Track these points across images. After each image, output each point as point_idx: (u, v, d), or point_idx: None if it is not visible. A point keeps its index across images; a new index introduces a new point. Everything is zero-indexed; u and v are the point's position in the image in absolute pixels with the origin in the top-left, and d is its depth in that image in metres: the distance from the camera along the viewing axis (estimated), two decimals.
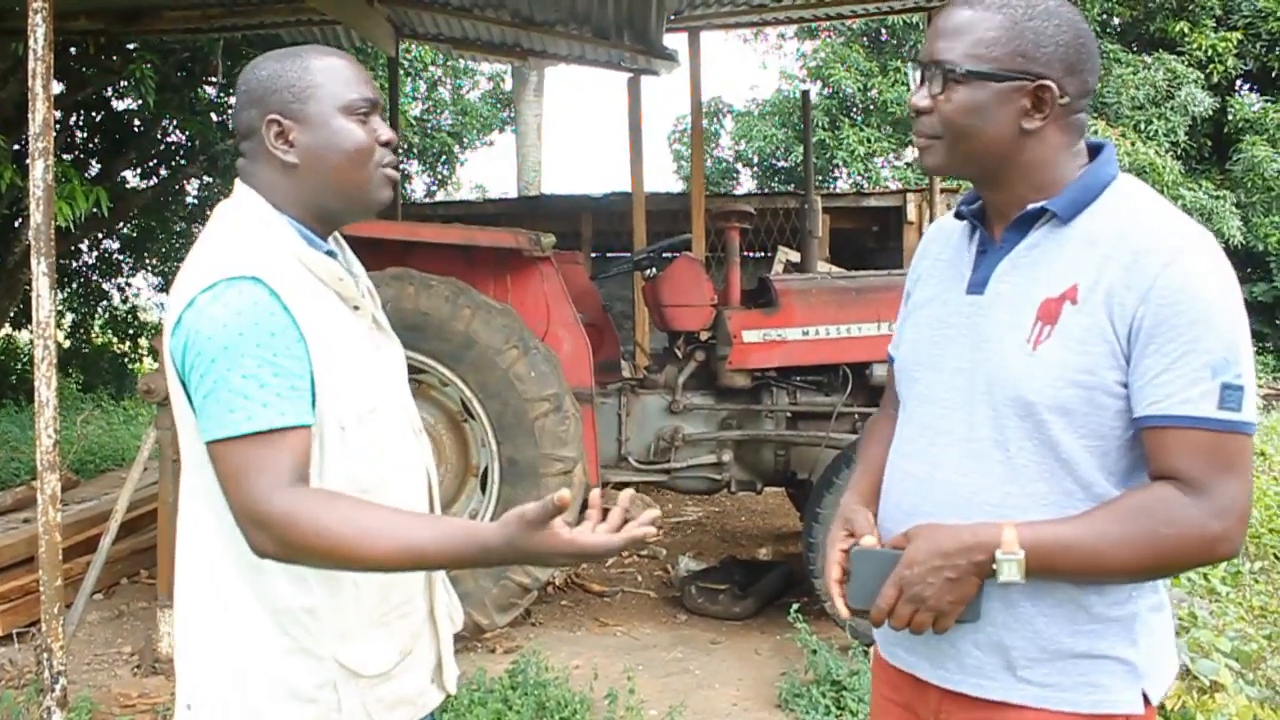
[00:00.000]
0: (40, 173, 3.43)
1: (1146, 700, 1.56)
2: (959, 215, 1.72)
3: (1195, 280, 1.43)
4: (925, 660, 1.65)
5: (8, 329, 15.29)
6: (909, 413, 1.72)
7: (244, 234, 1.65)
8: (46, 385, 3.46)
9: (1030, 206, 1.56)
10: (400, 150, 8.82)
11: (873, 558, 1.55)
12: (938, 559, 1.46)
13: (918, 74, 1.60)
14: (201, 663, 1.67)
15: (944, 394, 1.63)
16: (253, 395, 1.51)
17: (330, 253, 1.76)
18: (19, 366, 13.79)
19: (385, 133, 1.73)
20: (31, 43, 3.42)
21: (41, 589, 3.50)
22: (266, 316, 1.55)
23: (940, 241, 1.78)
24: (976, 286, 1.62)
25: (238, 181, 1.73)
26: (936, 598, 1.47)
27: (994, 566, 1.44)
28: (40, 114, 3.45)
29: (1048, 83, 1.50)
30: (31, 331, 3.43)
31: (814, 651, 4.03)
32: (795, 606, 4.31)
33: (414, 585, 1.81)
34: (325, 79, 1.69)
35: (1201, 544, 1.44)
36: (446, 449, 4.58)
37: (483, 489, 4.51)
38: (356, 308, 1.74)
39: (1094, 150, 1.60)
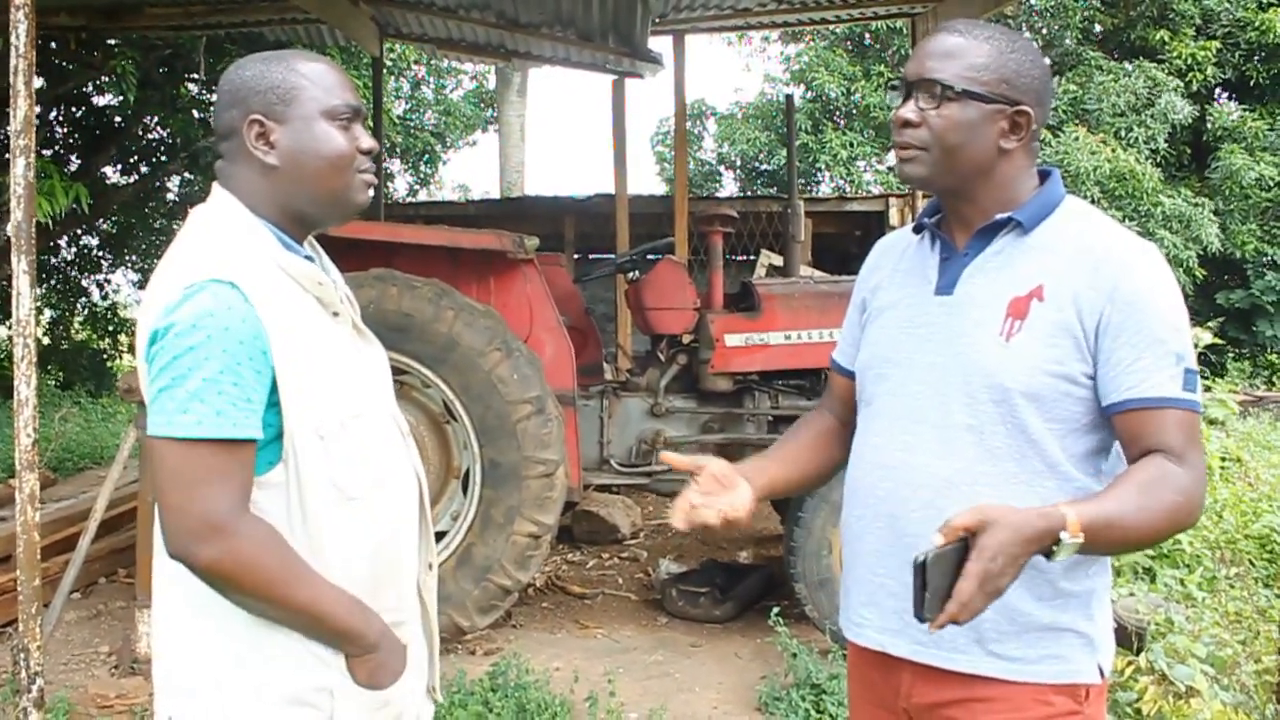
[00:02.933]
0: (21, 170, 3.41)
1: (1101, 672, 1.69)
2: (919, 228, 1.86)
3: (1153, 282, 1.64)
4: (898, 635, 1.75)
5: None
6: (878, 408, 1.82)
7: (221, 238, 1.64)
8: (26, 383, 3.43)
9: (998, 216, 1.72)
10: (382, 150, 8.80)
11: (949, 557, 1.47)
12: (1019, 548, 1.46)
13: (901, 91, 1.74)
14: (183, 670, 1.66)
15: (917, 387, 1.74)
16: (209, 400, 1.52)
17: (308, 257, 1.75)
18: None
19: (366, 141, 1.73)
20: (13, 39, 3.40)
21: (19, 589, 3.47)
22: (238, 323, 1.54)
23: (893, 254, 1.92)
24: (945, 288, 1.75)
25: (215, 185, 1.73)
26: (1011, 581, 1.48)
27: (1056, 549, 1.49)
28: (21, 111, 3.42)
29: (1026, 109, 1.68)
30: (10, 328, 3.39)
31: (794, 655, 4.04)
32: (775, 610, 4.32)
33: (402, 593, 1.81)
34: (310, 83, 1.69)
35: (1192, 509, 1.59)
36: (429, 450, 4.56)
37: (464, 491, 4.50)
38: (336, 313, 1.74)
39: (1044, 175, 1.78)
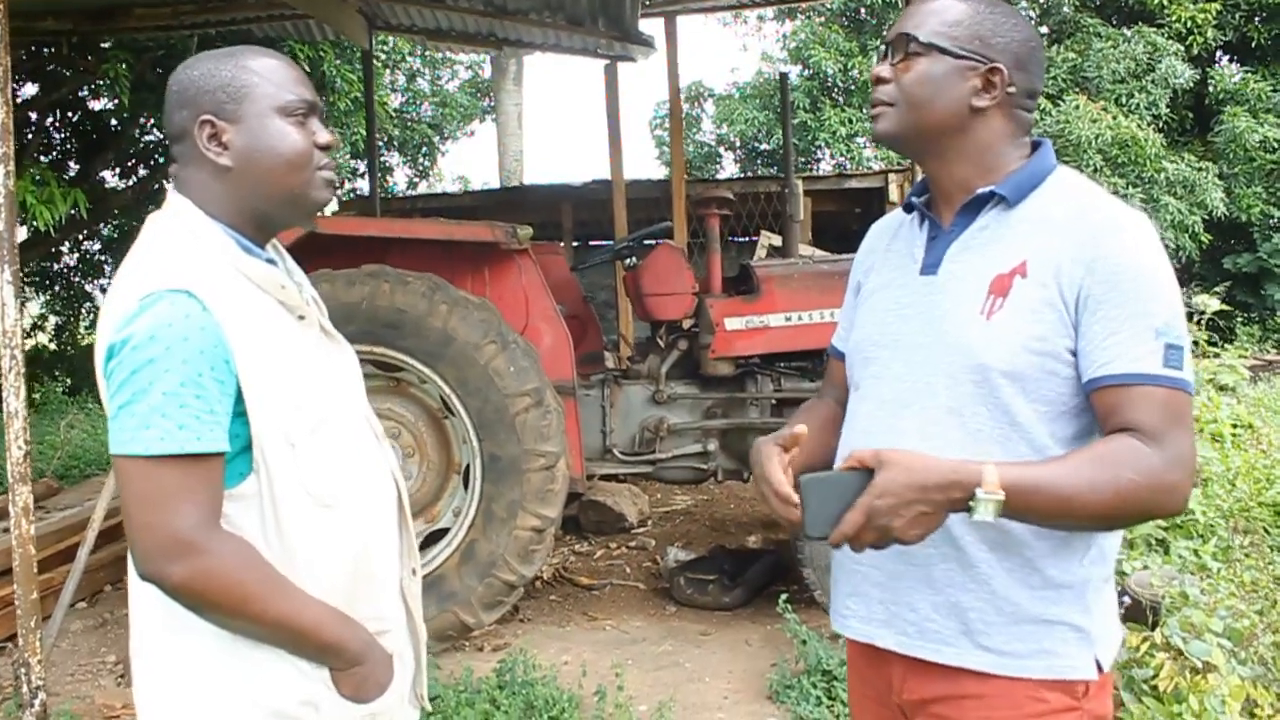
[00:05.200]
0: (1, 178, 3.36)
1: (1099, 666, 1.62)
2: (908, 207, 1.82)
3: (1135, 253, 1.55)
4: (884, 626, 1.71)
5: None
6: (865, 391, 1.78)
7: (177, 245, 1.59)
8: (15, 396, 3.39)
9: (979, 190, 1.66)
10: (375, 143, 8.73)
11: (829, 483, 1.51)
12: (914, 492, 1.45)
13: (883, 53, 1.73)
14: (164, 691, 1.61)
15: (902, 369, 1.70)
16: (170, 414, 1.47)
17: (270, 261, 1.70)
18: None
19: (324, 136, 1.67)
20: None
21: (17, 603, 3.44)
22: (196, 332, 1.49)
23: (886, 235, 1.89)
24: (930, 268, 1.71)
25: (170, 189, 1.68)
26: (904, 530, 1.47)
27: (970, 504, 1.46)
28: (0, 117, 3.37)
29: (999, 66, 1.64)
30: None
31: (803, 642, 4.00)
32: (784, 597, 4.27)
33: (384, 601, 1.76)
34: (260, 79, 1.63)
35: (1160, 492, 1.49)
36: (428, 446, 4.52)
37: (465, 486, 4.45)
38: (302, 317, 1.69)
39: (1035, 147, 1.72)
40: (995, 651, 1.61)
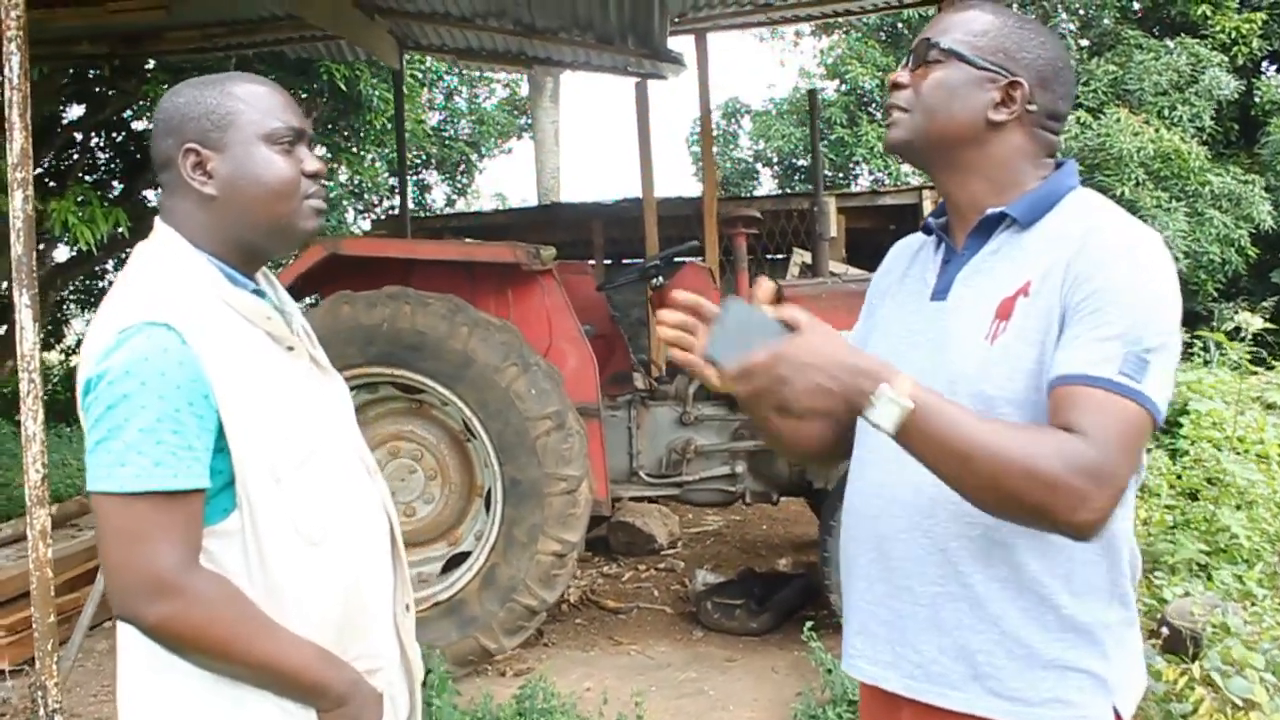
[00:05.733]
0: (19, 203, 3.37)
1: (1118, 716, 1.54)
2: (926, 229, 1.75)
3: (1126, 266, 1.45)
4: (890, 669, 1.63)
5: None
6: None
7: (161, 276, 1.56)
8: (33, 419, 3.39)
9: (991, 211, 1.60)
10: (404, 162, 8.75)
11: (753, 317, 1.45)
12: (827, 362, 1.39)
13: (907, 57, 1.68)
14: None
15: None
16: (146, 451, 1.43)
17: (258, 291, 1.66)
18: (49, 387, 13.85)
19: (311, 163, 1.63)
20: (6, 71, 3.36)
21: (35, 626, 3.43)
22: (175, 366, 1.46)
23: (905, 257, 1.82)
24: (940, 293, 1.65)
25: (157, 219, 1.64)
26: (800, 395, 1.40)
27: (871, 399, 1.38)
28: (18, 144, 3.38)
29: (1019, 80, 1.58)
30: (19, 362, 3.35)
31: (829, 671, 3.90)
32: (809, 624, 4.18)
33: (376, 638, 1.71)
34: (246, 106, 1.59)
35: (1064, 495, 1.35)
36: (450, 469, 4.48)
37: (488, 509, 4.40)
38: (290, 348, 1.65)
39: (1059, 167, 1.65)
40: (1006, 697, 1.52)
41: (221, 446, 1.50)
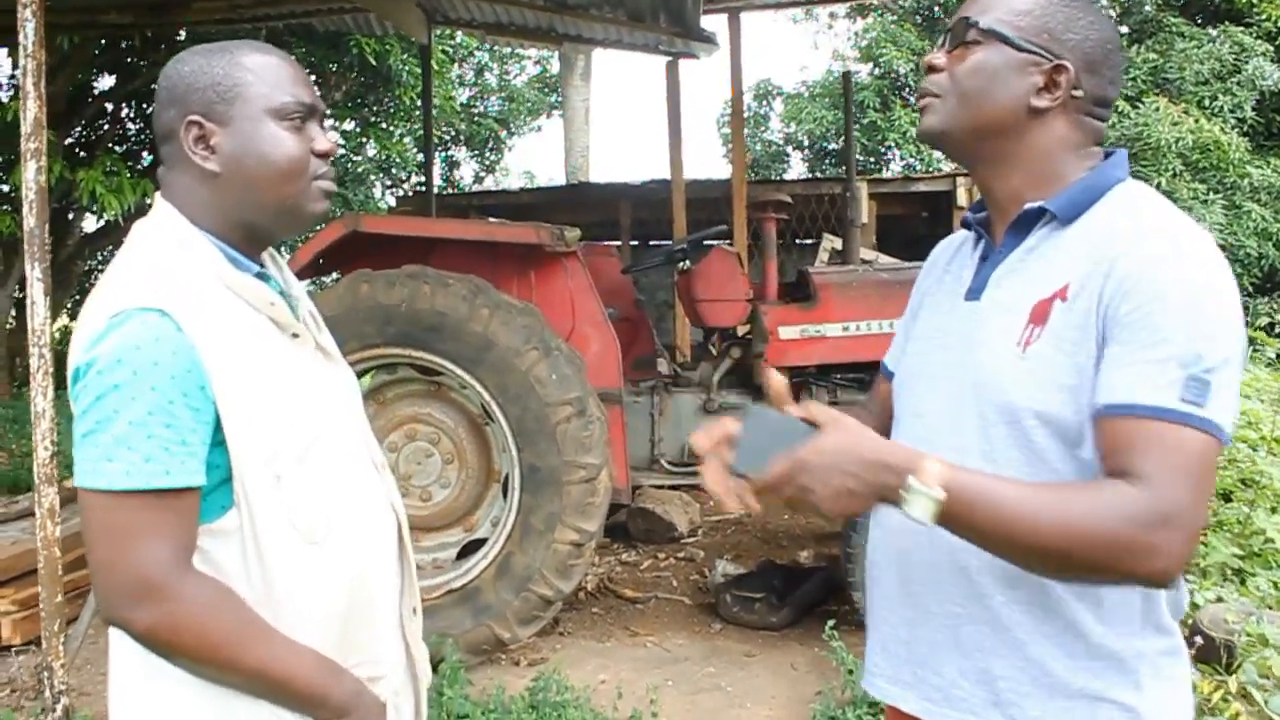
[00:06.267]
0: (33, 174, 3.29)
1: None
2: (965, 224, 1.66)
3: (1175, 270, 1.32)
4: (910, 690, 1.55)
5: (65, 320, 15.46)
6: (903, 425, 1.63)
7: (158, 257, 1.46)
8: (43, 395, 3.32)
9: (1028, 206, 1.48)
10: (431, 141, 8.65)
11: (775, 423, 1.38)
12: (849, 462, 1.31)
13: (943, 39, 1.56)
14: None
15: (933, 403, 1.55)
16: (137, 446, 1.34)
17: (262, 274, 1.57)
18: None
19: (322, 142, 1.53)
20: (20, 39, 3.28)
21: (41, 606, 3.37)
22: (169, 356, 1.36)
23: (948, 254, 1.72)
24: (974, 293, 1.55)
25: (157, 195, 1.55)
26: (827, 500, 1.32)
27: (902, 493, 1.29)
28: (31, 113, 3.30)
29: (1065, 64, 1.46)
30: (30, 337, 3.28)
31: (850, 671, 3.80)
32: (831, 623, 4.08)
33: (380, 643, 1.63)
34: (255, 78, 1.49)
35: (1135, 550, 1.25)
36: (467, 454, 4.39)
37: (505, 495, 4.32)
38: (295, 335, 1.55)
39: (1108, 158, 1.53)
40: None
41: (219, 440, 1.41)
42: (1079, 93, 1.46)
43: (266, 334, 1.51)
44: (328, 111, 1.66)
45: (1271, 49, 13.46)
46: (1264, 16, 13.62)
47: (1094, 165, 1.50)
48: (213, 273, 1.47)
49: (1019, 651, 1.43)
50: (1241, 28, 13.60)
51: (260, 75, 1.50)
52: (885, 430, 1.70)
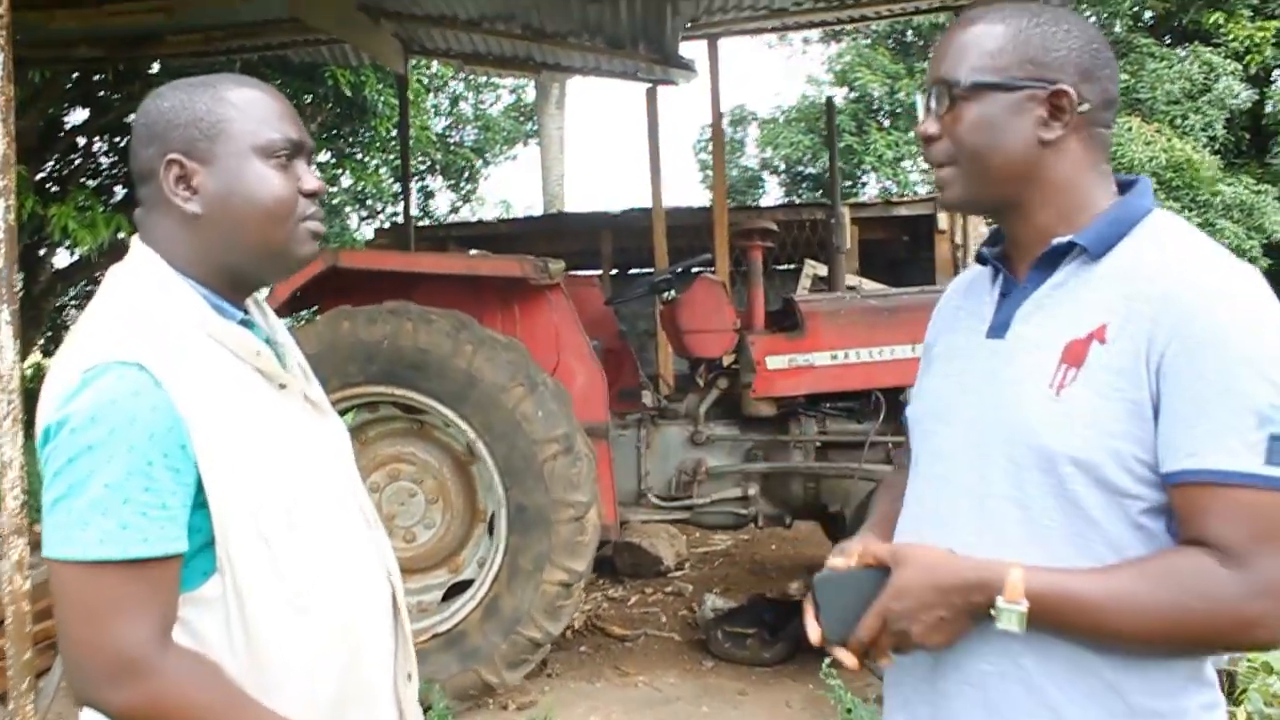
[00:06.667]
0: (0, 212, 3.19)
1: None
2: (981, 259, 1.58)
3: (1239, 315, 1.26)
4: None
5: (38, 356, 15.24)
6: (921, 470, 1.55)
7: (135, 305, 1.37)
8: (11, 442, 3.21)
9: (1056, 241, 1.41)
10: (409, 171, 8.57)
11: (843, 583, 1.40)
12: (932, 594, 1.32)
13: (924, 103, 1.48)
14: None
15: (957, 447, 1.47)
16: (113, 511, 1.25)
17: (247, 321, 1.48)
18: None
19: (310, 182, 1.44)
20: None
21: (9, 662, 3.25)
22: (147, 412, 1.27)
23: (960, 291, 1.65)
24: (997, 330, 1.47)
25: (134, 239, 1.45)
26: (924, 635, 1.34)
27: (992, 612, 1.30)
28: (1, 149, 3.20)
29: (1063, 87, 1.38)
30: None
31: (849, 710, 3.71)
32: (828, 661, 3.98)
33: (375, 712, 1.53)
34: (239, 113, 1.41)
35: (1234, 626, 1.24)
36: (451, 493, 4.30)
37: (490, 535, 4.22)
38: (283, 386, 1.46)
39: (1127, 185, 1.46)
40: None
41: (200, 501, 1.32)
42: (1085, 106, 1.39)
43: (252, 386, 1.42)
44: (314, 149, 1.56)
45: (1239, 68, 13.60)
46: (1230, 37, 13.78)
47: (1112, 188, 1.45)
48: (194, 321, 1.39)
49: (1054, 713, 1.35)
50: (1209, 48, 13.75)
51: (245, 111, 1.41)
52: None
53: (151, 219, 1.44)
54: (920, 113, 1.49)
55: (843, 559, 1.43)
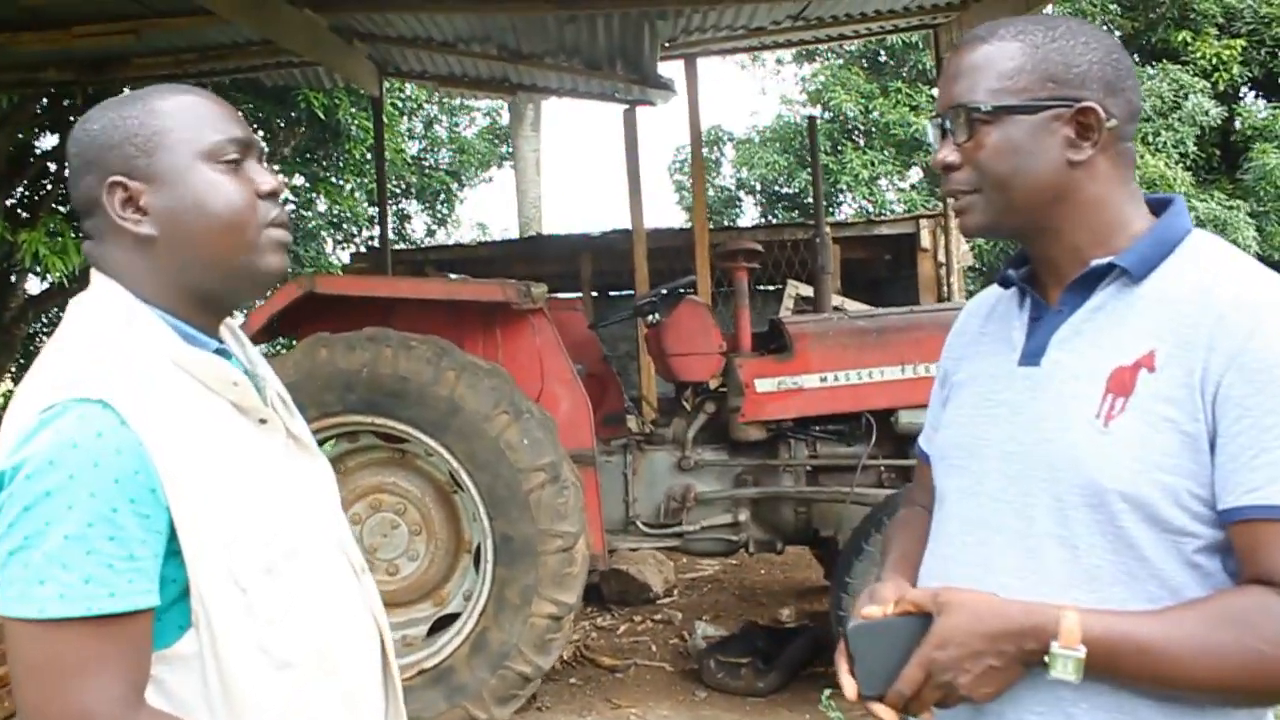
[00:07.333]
0: None
1: None
2: (1004, 282, 1.48)
3: None
4: None
5: (9, 384, 14.98)
6: (951, 509, 1.44)
7: (97, 338, 1.26)
8: None
9: (1095, 263, 1.32)
10: (384, 193, 8.46)
11: (881, 632, 1.29)
12: (980, 641, 1.21)
13: (938, 129, 1.39)
14: None
15: (994, 483, 1.36)
16: (74, 564, 1.13)
17: (222, 350, 1.37)
18: None
19: (266, 180, 1.33)
20: None
21: None
22: (111, 455, 1.15)
23: (980, 315, 1.55)
24: (1031, 357, 1.37)
25: (93, 271, 1.34)
26: (972, 687, 1.23)
27: (1046, 659, 1.19)
28: None
29: (1090, 104, 1.29)
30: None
31: None
32: (828, 692, 3.89)
33: None
34: (175, 122, 1.30)
35: None
36: (435, 524, 4.18)
37: (476, 567, 4.10)
38: (263, 420, 1.35)
39: (1161, 204, 1.38)
40: None
41: (174, 550, 1.20)
42: (1112, 122, 1.31)
43: (229, 422, 1.31)
44: (265, 148, 1.44)
45: (1208, 85, 13.72)
46: (1199, 55, 13.91)
47: (1150, 212, 1.36)
48: (163, 352, 1.27)
49: None
50: (1178, 66, 13.87)
51: (181, 118, 1.30)
52: None
53: (104, 250, 1.33)
54: (934, 141, 1.40)
55: (878, 607, 1.33)
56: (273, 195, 1.34)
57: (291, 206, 14.52)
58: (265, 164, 1.37)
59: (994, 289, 1.56)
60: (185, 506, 1.20)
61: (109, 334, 1.27)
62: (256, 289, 1.39)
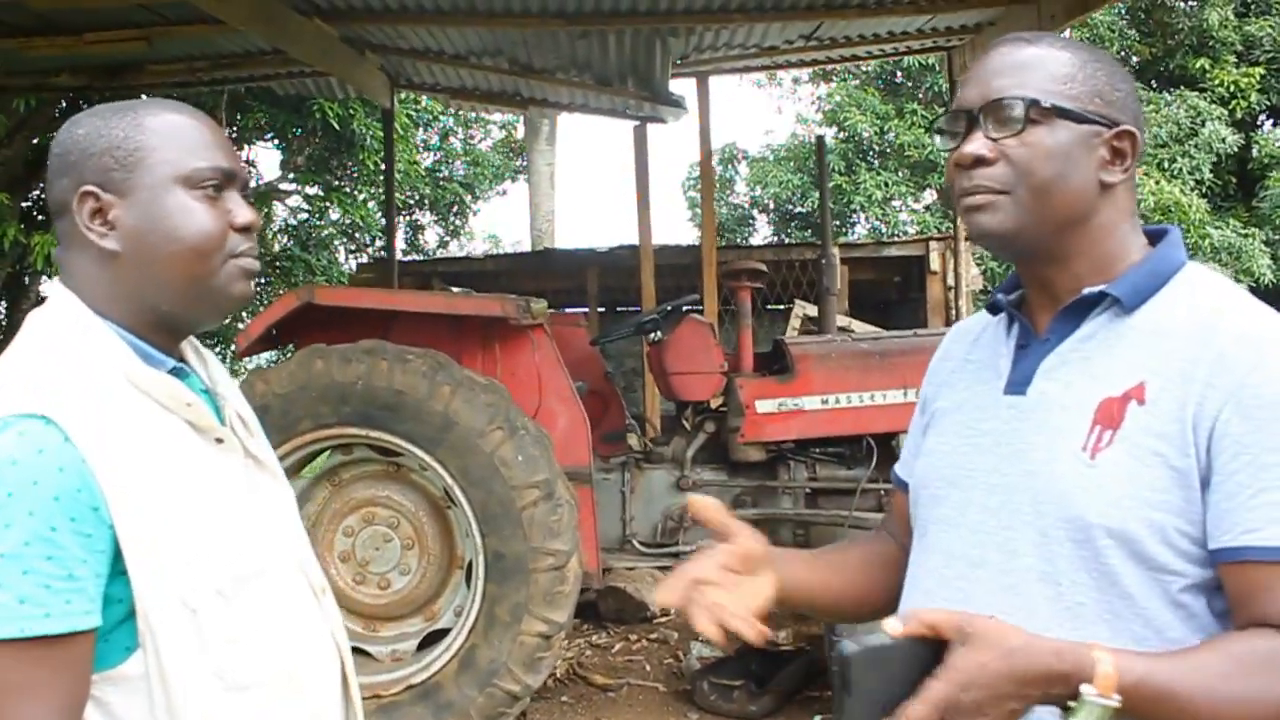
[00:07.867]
0: None
1: None
2: (993, 308, 1.43)
3: None
4: None
5: None
6: (932, 541, 1.39)
7: (48, 353, 1.24)
8: None
9: (1087, 291, 1.29)
10: (393, 206, 8.46)
11: (886, 657, 1.12)
12: (1008, 685, 1.08)
13: (958, 126, 1.31)
14: None
15: (976, 515, 1.32)
16: (9, 584, 1.10)
17: (179, 369, 1.34)
18: None
19: (242, 214, 1.31)
20: None
21: None
22: (52, 473, 1.13)
23: (965, 341, 1.50)
24: (1017, 386, 1.33)
25: (54, 281, 1.32)
26: None
27: (1070, 705, 1.08)
28: None
29: (1131, 129, 1.27)
30: None
31: None
32: (819, 718, 3.84)
33: None
34: (161, 141, 1.28)
35: None
36: (428, 539, 4.15)
37: (468, 583, 4.06)
38: (220, 440, 1.33)
39: (1157, 235, 1.35)
40: None
41: (120, 569, 1.18)
42: (1139, 156, 1.29)
43: (182, 440, 1.28)
44: (251, 181, 1.42)
45: (1225, 112, 13.69)
46: (1217, 82, 13.88)
47: (1145, 242, 1.33)
48: (116, 369, 1.25)
49: None
50: (1196, 93, 13.85)
51: (167, 138, 1.29)
52: (904, 546, 1.49)
53: (69, 257, 1.31)
54: (945, 135, 1.33)
55: (886, 635, 1.21)
56: (247, 229, 1.32)
57: (305, 215, 14.58)
58: (246, 197, 1.36)
59: (981, 315, 1.52)
60: (130, 525, 1.18)
61: (61, 348, 1.25)
62: (216, 314, 1.37)
